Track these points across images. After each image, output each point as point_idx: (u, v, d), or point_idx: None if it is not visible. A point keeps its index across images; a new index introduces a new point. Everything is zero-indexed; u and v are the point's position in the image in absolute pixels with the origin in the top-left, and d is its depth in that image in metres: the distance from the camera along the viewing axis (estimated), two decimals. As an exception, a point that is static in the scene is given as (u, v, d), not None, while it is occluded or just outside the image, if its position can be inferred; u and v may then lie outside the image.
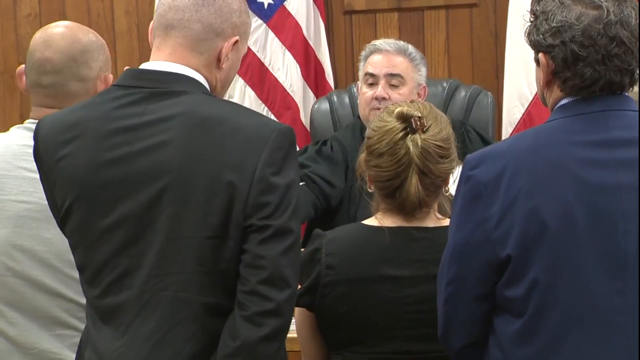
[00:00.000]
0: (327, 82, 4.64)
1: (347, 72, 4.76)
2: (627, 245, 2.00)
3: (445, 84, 4.15)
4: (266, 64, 4.61)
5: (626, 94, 2.11)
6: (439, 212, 2.46)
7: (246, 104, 4.61)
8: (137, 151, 2.07)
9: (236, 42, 2.16)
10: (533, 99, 4.32)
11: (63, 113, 2.19)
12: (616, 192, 2.02)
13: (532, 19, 2.13)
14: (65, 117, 2.17)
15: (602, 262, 2.00)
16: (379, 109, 3.63)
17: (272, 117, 4.59)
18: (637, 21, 2.07)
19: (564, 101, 2.10)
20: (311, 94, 4.62)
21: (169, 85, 2.11)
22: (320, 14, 4.64)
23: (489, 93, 4.16)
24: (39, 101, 2.61)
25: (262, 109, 4.61)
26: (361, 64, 3.76)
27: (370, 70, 3.69)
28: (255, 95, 4.62)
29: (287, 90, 4.59)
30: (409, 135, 2.37)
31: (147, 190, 2.06)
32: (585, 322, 2.01)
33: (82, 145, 2.11)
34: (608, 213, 2.01)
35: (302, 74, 4.60)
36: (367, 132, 2.45)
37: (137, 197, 2.07)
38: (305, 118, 4.59)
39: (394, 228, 2.39)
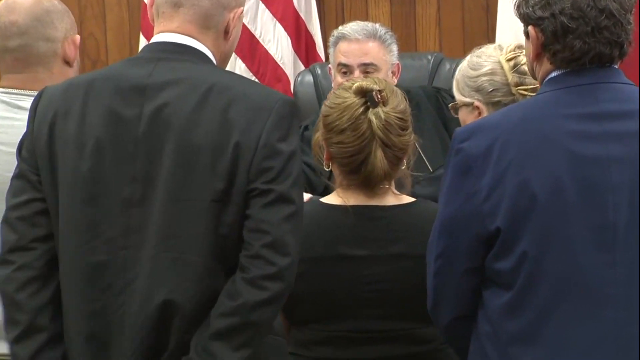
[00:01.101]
0: (318, 54, 4.62)
1: (338, 44, 4.74)
2: (617, 218, 2.01)
3: (430, 57, 4.13)
4: (257, 35, 4.59)
5: (615, 66, 2.11)
6: (397, 187, 2.46)
7: (236, 76, 4.59)
8: (144, 111, 2.09)
9: (241, 12, 2.21)
10: (524, 72, 4.32)
11: (69, 80, 2.21)
12: (605, 165, 2.02)
13: None
14: (73, 80, 2.20)
15: (591, 235, 2.01)
16: None
17: (263, 89, 4.58)
18: None
19: (553, 74, 2.10)
20: (302, 66, 4.61)
21: (177, 55, 2.14)
22: (311, -14, 4.63)
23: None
24: (8, 68, 2.60)
25: (253, 81, 4.60)
26: (331, 50, 3.68)
27: (343, 60, 3.63)
28: (246, 67, 4.60)
29: (278, 62, 4.58)
30: (370, 109, 2.38)
31: (153, 151, 2.08)
32: (574, 295, 2.01)
33: (93, 102, 2.12)
34: (598, 186, 2.01)
35: (292, 46, 4.58)
36: (323, 110, 2.45)
37: (143, 157, 2.08)
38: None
39: (355, 207, 2.39)
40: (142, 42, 4.63)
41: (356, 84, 2.42)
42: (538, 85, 2.24)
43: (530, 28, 2.10)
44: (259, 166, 2.06)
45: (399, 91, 2.47)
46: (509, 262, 2.04)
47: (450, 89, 2.85)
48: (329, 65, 3.78)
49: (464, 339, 2.14)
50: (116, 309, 2.09)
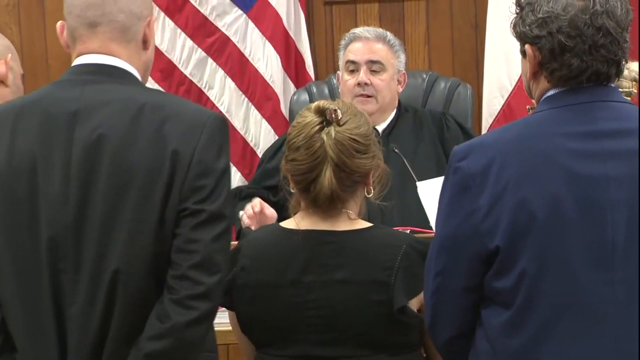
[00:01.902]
0: (308, 73, 4.63)
1: (327, 63, 4.75)
2: (615, 236, 2.01)
3: (425, 76, 4.15)
4: (246, 54, 4.60)
5: (612, 85, 2.12)
6: (359, 215, 2.44)
7: (226, 95, 4.60)
8: (77, 136, 2.09)
9: (154, 20, 2.23)
10: (513, 90, 4.33)
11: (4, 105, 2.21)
12: (604, 183, 2.02)
13: (517, 11, 2.14)
14: (1, 108, 2.19)
15: (590, 253, 2.01)
16: (362, 95, 3.71)
17: (253, 108, 4.58)
18: (623, 11, 2.08)
19: (550, 92, 2.11)
20: (291, 85, 4.61)
21: (104, 77, 2.15)
22: (301, 5, 4.63)
23: (469, 85, 4.17)
24: None
25: (242, 100, 4.60)
26: (341, 53, 3.83)
27: (351, 57, 3.75)
28: (236, 86, 4.60)
29: (268, 81, 4.58)
30: (325, 129, 2.37)
31: (88, 174, 2.08)
32: (574, 313, 2.01)
33: (23, 128, 2.12)
34: (596, 204, 2.01)
35: (282, 64, 4.59)
36: (289, 129, 2.45)
37: (78, 181, 2.09)
38: (285, 109, 4.58)
39: (306, 231, 2.38)
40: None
41: (315, 104, 2.42)
42: (634, 90, 2.24)
43: (527, 47, 2.11)
44: (192, 185, 2.07)
45: (365, 116, 2.45)
46: (509, 281, 2.04)
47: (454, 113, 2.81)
48: (338, 72, 3.86)
49: (462, 356, 2.14)
50: (55, 332, 2.10)
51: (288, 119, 4.40)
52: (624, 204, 2.02)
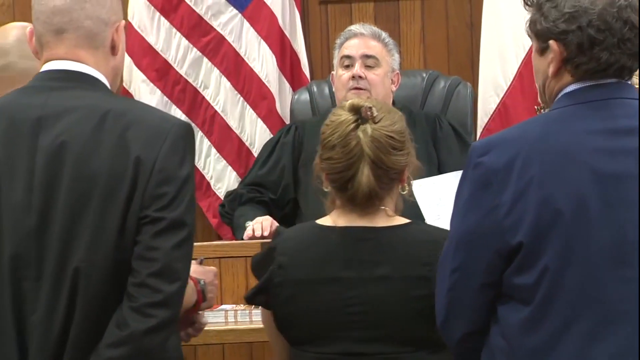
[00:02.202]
0: (303, 73, 4.62)
1: (322, 62, 4.75)
2: (634, 235, 2.02)
3: (424, 75, 4.16)
4: (241, 54, 4.59)
5: (629, 82, 2.13)
6: (396, 211, 2.45)
7: (221, 95, 4.60)
8: (41, 142, 2.09)
9: (123, 25, 2.22)
10: (508, 89, 4.33)
11: None
12: (624, 181, 2.03)
13: (534, 9, 2.14)
14: None
15: (611, 251, 2.01)
16: (356, 88, 3.73)
17: (248, 107, 4.58)
18: None
19: (571, 88, 2.11)
20: (287, 85, 4.61)
21: (70, 83, 2.14)
22: (296, 4, 4.63)
23: (469, 84, 4.18)
24: None
25: (238, 100, 4.60)
26: (336, 51, 3.86)
27: (347, 52, 3.78)
28: (231, 85, 4.60)
29: (263, 80, 4.57)
30: (360, 126, 2.38)
31: (51, 181, 2.08)
32: (593, 310, 2.01)
33: None
34: (618, 202, 2.02)
35: (277, 64, 4.58)
36: (322, 128, 2.46)
37: (41, 188, 2.08)
38: (280, 109, 4.58)
39: (344, 228, 2.39)
40: (127, 60, 4.62)
41: (350, 101, 2.43)
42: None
43: (552, 43, 2.10)
44: (153, 192, 2.07)
45: (398, 114, 2.47)
46: (530, 277, 2.03)
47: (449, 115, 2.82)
48: (332, 72, 3.89)
49: (475, 353, 2.13)
50: (15, 341, 2.09)
51: (289, 118, 4.41)
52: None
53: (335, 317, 2.37)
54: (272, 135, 4.52)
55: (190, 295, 2.71)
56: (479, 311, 2.11)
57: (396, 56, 3.84)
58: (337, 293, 2.37)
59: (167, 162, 2.08)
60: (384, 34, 3.85)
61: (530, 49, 4.18)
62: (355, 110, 2.40)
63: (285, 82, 4.60)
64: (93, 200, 2.07)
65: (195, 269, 2.74)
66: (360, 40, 3.79)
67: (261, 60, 4.58)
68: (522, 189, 2.03)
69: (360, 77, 3.73)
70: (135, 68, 4.59)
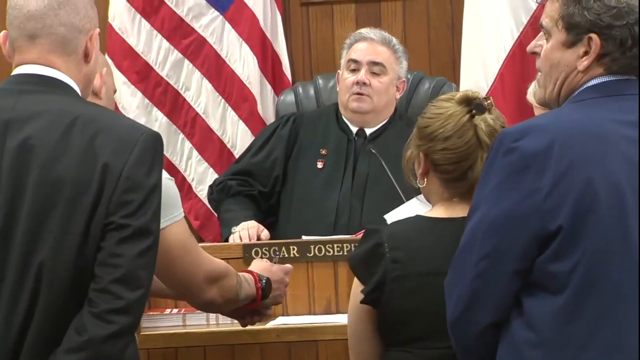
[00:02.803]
0: (285, 74, 4.62)
1: (304, 64, 4.75)
2: None
3: (409, 76, 4.16)
4: (223, 56, 4.59)
5: None
6: None
7: (203, 97, 4.59)
8: (7, 145, 2.10)
9: (97, 33, 2.22)
10: (489, 90, 4.33)
11: None
12: None
13: (567, 1, 2.14)
14: None
15: None
16: (359, 94, 3.75)
17: (230, 109, 4.57)
18: None
19: (596, 81, 2.13)
20: (268, 86, 4.60)
21: (40, 87, 2.15)
22: (277, 6, 4.62)
23: (454, 85, 4.19)
24: None
25: (219, 101, 4.59)
26: (344, 52, 3.87)
27: (354, 56, 3.79)
28: (212, 87, 4.59)
29: (245, 82, 4.57)
30: (476, 117, 2.40)
31: (17, 184, 2.08)
32: (631, 300, 2.00)
33: None
34: None
35: (259, 66, 4.58)
36: (421, 123, 2.46)
37: (7, 190, 2.09)
38: (262, 110, 4.58)
39: (463, 219, 2.31)
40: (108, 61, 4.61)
41: (460, 94, 2.45)
42: None
43: (594, 36, 2.11)
44: (119, 199, 2.07)
45: None
46: (567, 264, 2.01)
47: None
48: (339, 71, 3.89)
49: (492, 350, 2.09)
50: None
51: (273, 120, 4.41)
52: None
53: None
54: (253, 138, 4.52)
55: (247, 289, 2.74)
56: (507, 300, 2.07)
57: (404, 63, 3.84)
58: None
59: (135, 170, 2.08)
60: (394, 40, 3.84)
61: (512, 50, 4.28)
62: (468, 101, 2.42)
63: (267, 83, 4.60)
64: (58, 205, 2.07)
65: (264, 267, 2.81)
66: (369, 45, 3.79)
67: (242, 62, 4.57)
68: (563, 172, 2.02)
69: (364, 83, 3.74)
70: (116, 70, 4.57)
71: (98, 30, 2.23)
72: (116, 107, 4.34)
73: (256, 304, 2.77)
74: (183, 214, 2.69)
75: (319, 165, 3.79)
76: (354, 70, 3.77)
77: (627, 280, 2.01)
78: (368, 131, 3.81)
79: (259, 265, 2.87)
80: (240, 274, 2.76)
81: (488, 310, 2.09)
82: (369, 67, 3.76)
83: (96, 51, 2.23)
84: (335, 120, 3.85)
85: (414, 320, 2.38)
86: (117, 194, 2.07)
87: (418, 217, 2.46)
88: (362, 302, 2.43)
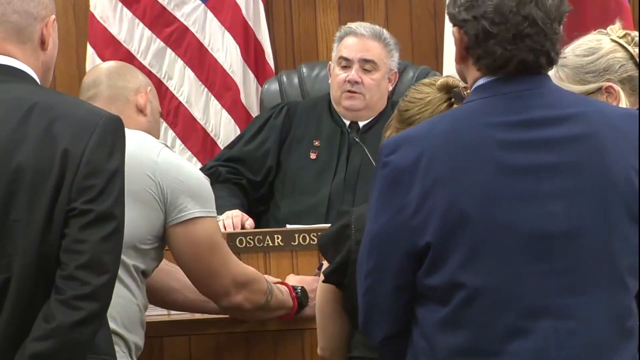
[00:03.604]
0: (267, 63, 4.62)
1: (287, 52, 4.74)
2: (553, 227, 1.98)
3: (394, 65, 4.16)
4: (205, 44, 4.58)
5: (547, 73, 2.07)
6: None
7: (185, 86, 4.58)
8: None
9: (53, 20, 2.20)
10: (472, 78, 4.34)
11: None
12: (536, 174, 1.99)
13: None
14: None
15: (526, 246, 1.98)
16: (351, 91, 3.74)
17: (213, 98, 4.56)
18: (554, 2, 2.03)
19: (481, 81, 2.05)
20: (251, 75, 4.60)
21: None
22: (260, -5, 4.62)
23: (438, 73, 4.18)
24: None
25: (202, 90, 4.58)
26: (335, 45, 3.84)
27: (345, 54, 3.76)
28: (195, 76, 4.58)
29: (227, 71, 4.56)
30: (454, 105, 2.37)
31: None
32: (512, 307, 1.98)
33: None
34: (530, 196, 1.98)
35: (242, 54, 4.57)
36: (401, 106, 2.44)
37: None
38: (245, 99, 4.57)
39: None
40: (90, 51, 4.60)
41: (440, 80, 2.42)
42: None
43: (454, 29, 2.06)
44: (80, 185, 2.06)
45: None
46: (442, 278, 2.00)
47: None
48: (330, 62, 3.87)
49: (399, 355, 2.10)
50: None
51: (257, 108, 4.40)
52: (560, 194, 1.99)
53: None
54: (237, 127, 4.50)
55: (280, 298, 2.82)
56: (397, 313, 2.07)
57: (395, 55, 3.81)
58: None
59: (95, 155, 2.07)
60: (385, 33, 3.81)
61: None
62: (447, 89, 2.39)
63: (250, 72, 4.59)
64: (19, 194, 2.06)
65: (298, 279, 2.93)
66: (360, 41, 3.76)
67: (225, 50, 4.57)
68: (429, 187, 1.99)
69: (356, 82, 3.73)
70: (97, 59, 4.56)
71: (54, 16, 2.21)
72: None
73: (292, 314, 2.84)
74: (216, 215, 2.73)
75: (312, 156, 3.80)
76: (345, 67, 3.75)
77: (503, 289, 1.98)
78: (361, 123, 3.81)
79: (293, 278, 2.95)
80: (274, 284, 2.82)
81: (381, 323, 2.09)
82: (360, 65, 3.74)
83: (53, 38, 2.21)
84: (329, 111, 3.85)
85: None
86: (78, 179, 2.06)
87: None
88: (323, 281, 2.46)
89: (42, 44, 2.19)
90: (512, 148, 1.99)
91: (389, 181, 2.03)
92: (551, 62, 2.05)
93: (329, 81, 3.86)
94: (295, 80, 4.20)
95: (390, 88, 3.83)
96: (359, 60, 3.74)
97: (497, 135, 2.00)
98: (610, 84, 2.55)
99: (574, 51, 2.60)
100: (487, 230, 1.98)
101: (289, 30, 4.74)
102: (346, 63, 3.75)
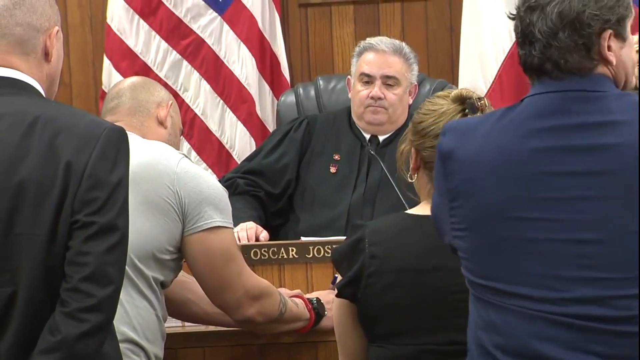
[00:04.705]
0: (283, 76, 4.62)
1: (302, 65, 4.75)
2: (578, 233, 1.98)
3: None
4: (221, 57, 4.59)
5: (602, 74, 2.06)
6: None
7: (201, 98, 4.59)
8: None
9: (57, 32, 2.20)
10: (488, 91, 4.34)
11: None
12: (570, 179, 1.99)
13: None
14: None
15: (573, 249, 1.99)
16: (374, 107, 3.74)
17: (228, 110, 4.58)
18: (561, 11, 2.02)
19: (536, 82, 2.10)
20: (267, 88, 4.61)
21: (0, 89, 2.14)
22: (276, 7, 4.63)
23: (454, 87, 4.18)
24: None
25: (218, 103, 4.59)
26: (354, 61, 3.82)
27: (366, 70, 3.76)
28: (211, 88, 4.59)
29: (243, 83, 4.57)
30: (468, 116, 2.38)
31: None
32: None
33: None
34: (558, 200, 1.99)
35: (257, 67, 4.58)
36: (415, 118, 2.46)
37: None
38: (261, 112, 4.58)
39: None
40: (106, 63, 4.61)
41: (455, 91, 2.44)
42: None
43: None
44: (84, 197, 2.06)
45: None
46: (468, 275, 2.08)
47: None
48: (348, 77, 3.87)
49: None
50: None
51: (273, 121, 4.40)
52: (590, 199, 1.98)
53: (441, 305, 2.35)
54: (252, 139, 4.51)
55: (295, 311, 2.83)
56: None
57: (415, 68, 3.82)
58: (443, 280, 2.34)
59: (98, 167, 2.07)
60: (405, 47, 3.81)
61: (510, 51, 4.29)
62: (462, 100, 2.41)
63: (266, 85, 4.60)
64: (23, 207, 2.06)
65: (315, 294, 2.93)
66: (381, 57, 3.76)
67: (241, 63, 4.58)
68: (458, 185, 2.04)
69: (379, 98, 3.73)
70: (114, 71, 4.58)
71: (57, 28, 2.21)
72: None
73: (309, 327, 2.85)
74: (233, 226, 2.74)
75: (332, 170, 3.80)
76: (367, 83, 3.75)
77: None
78: (381, 137, 3.81)
79: (308, 294, 2.96)
80: (289, 297, 2.83)
81: None
82: (383, 81, 3.74)
83: (57, 49, 2.21)
84: (348, 125, 3.85)
85: (389, 316, 2.39)
86: (81, 192, 2.06)
87: (403, 213, 2.47)
88: (337, 295, 2.46)
89: (46, 55, 2.19)
90: (546, 154, 2.01)
91: (437, 162, 2.09)
92: (561, 70, 2.04)
93: (349, 96, 3.86)
94: (312, 92, 4.20)
95: (411, 101, 3.83)
96: (381, 76, 3.74)
97: (530, 142, 2.01)
98: None
99: None
100: (505, 235, 2.00)
101: (304, 43, 4.75)
102: (368, 79, 3.75)
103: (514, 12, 2.08)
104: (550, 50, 2.03)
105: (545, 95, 2.05)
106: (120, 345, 2.28)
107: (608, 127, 2.01)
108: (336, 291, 2.48)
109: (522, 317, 2.00)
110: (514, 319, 2.00)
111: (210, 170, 4.56)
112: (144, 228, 2.61)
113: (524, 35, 2.05)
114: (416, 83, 3.85)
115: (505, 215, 2.00)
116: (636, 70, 2.51)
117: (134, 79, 2.98)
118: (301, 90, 4.23)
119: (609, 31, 2.05)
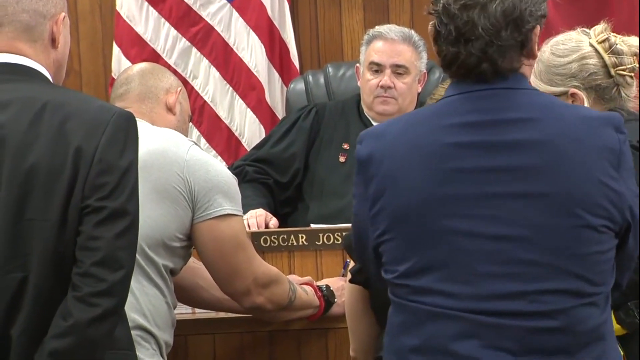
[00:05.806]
0: (292, 63, 4.62)
1: (312, 52, 4.75)
2: (495, 230, 1.97)
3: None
4: (230, 44, 4.59)
5: (522, 74, 2.03)
6: None
7: (210, 85, 4.59)
8: None
9: (63, 17, 2.21)
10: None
11: None
12: (486, 176, 1.97)
13: None
14: None
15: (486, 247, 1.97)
16: (384, 96, 3.73)
17: (238, 97, 4.58)
18: (503, 9, 1.98)
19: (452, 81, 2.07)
20: (276, 75, 4.61)
21: (8, 76, 2.15)
22: (285, -6, 4.63)
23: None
24: None
25: (227, 90, 4.59)
26: (363, 49, 3.81)
27: (375, 59, 3.74)
28: (220, 75, 4.59)
29: (252, 70, 4.57)
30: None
31: None
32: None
33: None
34: (475, 197, 1.97)
35: (267, 54, 4.58)
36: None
37: None
38: (270, 99, 4.58)
39: None
40: (116, 50, 4.62)
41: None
42: (636, 65, 2.17)
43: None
44: (94, 182, 2.07)
45: None
46: (387, 276, 2.05)
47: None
48: (357, 64, 3.86)
49: None
50: None
51: (282, 108, 4.40)
52: (508, 197, 1.96)
53: None
54: (261, 126, 4.51)
55: (304, 298, 2.84)
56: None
57: (424, 56, 3.80)
58: None
59: (108, 152, 2.08)
60: (414, 35, 3.80)
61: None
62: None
63: (275, 72, 4.60)
64: (33, 193, 2.07)
65: (323, 280, 2.95)
66: (390, 46, 3.74)
67: (250, 50, 4.58)
68: (379, 186, 2.01)
69: (389, 87, 3.72)
70: (123, 58, 4.58)
71: (64, 14, 2.22)
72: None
73: (319, 314, 2.86)
74: (242, 214, 2.75)
75: (341, 159, 3.80)
76: (376, 72, 3.74)
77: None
78: None
79: (297, 279, 2.96)
80: (299, 285, 2.84)
81: None
82: (392, 69, 3.73)
83: (64, 35, 2.22)
84: (357, 114, 3.85)
85: None
86: (91, 177, 2.07)
87: None
88: (349, 281, 2.47)
89: (53, 41, 2.20)
90: (461, 150, 1.98)
91: (356, 170, 2.07)
92: (497, 69, 2.01)
93: (358, 84, 3.86)
94: (321, 80, 4.20)
95: (420, 89, 3.83)
96: (390, 65, 3.73)
97: (447, 137, 1.98)
98: (575, 90, 2.51)
99: (552, 48, 2.57)
100: (423, 231, 1.98)
101: (314, 30, 4.75)
102: (377, 68, 3.74)
103: (435, 8, 2.03)
104: (492, 49, 1.98)
105: (465, 95, 2.01)
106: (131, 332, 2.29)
107: (527, 124, 1.98)
108: (348, 277, 2.49)
109: (437, 316, 1.98)
110: (428, 319, 1.99)
111: (219, 157, 4.57)
112: (153, 215, 2.62)
113: (460, 34, 1.99)
114: (425, 71, 3.84)
115: (422, 212, 1.98)
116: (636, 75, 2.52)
117: (142, 65, 2.99)
118: (311, 78, 4.23)
119: (538, 27, 2.03)
